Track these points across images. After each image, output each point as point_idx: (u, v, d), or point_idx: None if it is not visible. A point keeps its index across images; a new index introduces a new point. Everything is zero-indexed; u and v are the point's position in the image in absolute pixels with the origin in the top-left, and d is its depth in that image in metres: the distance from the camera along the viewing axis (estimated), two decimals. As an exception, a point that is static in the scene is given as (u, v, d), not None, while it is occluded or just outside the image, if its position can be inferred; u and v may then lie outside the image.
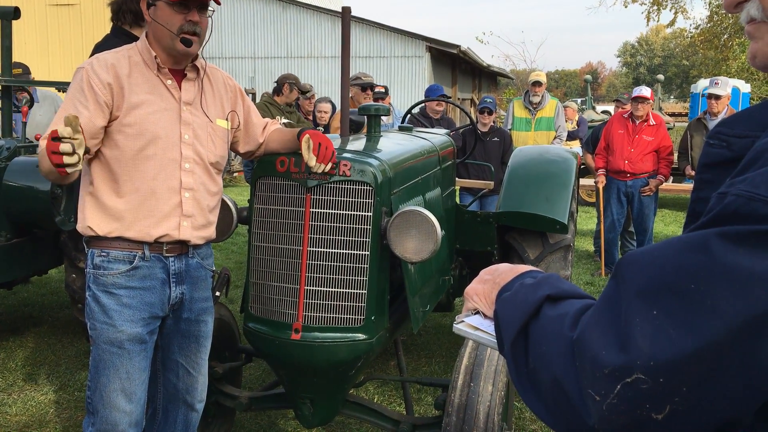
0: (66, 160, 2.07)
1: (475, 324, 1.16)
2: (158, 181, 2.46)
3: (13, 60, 4.91)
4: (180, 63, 2.54)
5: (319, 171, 2.55)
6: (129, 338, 2.46)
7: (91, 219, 2.46)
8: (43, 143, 2.22)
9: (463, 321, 1.18)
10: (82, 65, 2.46)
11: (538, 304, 0.96)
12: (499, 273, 1.13)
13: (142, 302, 2.49)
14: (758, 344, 0.73)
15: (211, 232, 2.67)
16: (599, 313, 0.84)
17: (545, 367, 0.89)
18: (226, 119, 2.69)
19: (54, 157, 2.08)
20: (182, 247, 2.56)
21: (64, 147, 2.06)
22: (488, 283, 1.14)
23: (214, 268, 2.76)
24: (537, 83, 7.97)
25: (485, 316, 1.15)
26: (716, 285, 0.74)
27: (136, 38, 3.68)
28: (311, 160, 2.52)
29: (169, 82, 2.52)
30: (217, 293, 2.70)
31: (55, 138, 2.07)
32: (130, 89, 2.43)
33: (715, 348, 0.73)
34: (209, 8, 2.52)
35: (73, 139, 2.07)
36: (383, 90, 7.26)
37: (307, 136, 2.55)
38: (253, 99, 16.50)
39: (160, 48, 2.49)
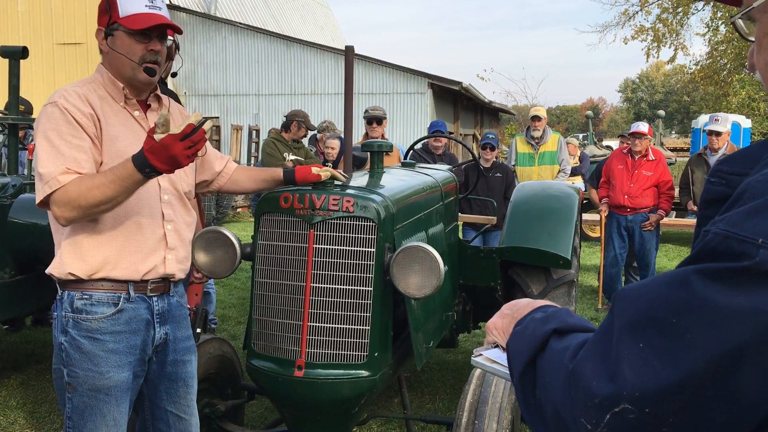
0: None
1: (493, 357, 1.20)
2: (142, 216, 2.39)
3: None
4: (141, 94, 2.47)
5: (327, 176, 2.75)
6: (116, 384, 2.36)
7: (70, 263, 2.31)
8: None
9: (481, 354, 1.22)
10: (52, 100, 2.29)
11: (545, 337, 0.99)
12: (518, 308, 1.18)
13: (128, 346, 2.38)
14: (736, 377, 0.76)
15: (188, 266, 2.60)
16: (594, 345, 0.88)
17: (549, 397, 0.92)
18: None
19: (188, 159, 2.11)
20: (165, 285, 2.48)
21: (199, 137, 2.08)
22: (507, 317, 1.19)
23: (188, 306, 2.68)
24: (536, 117, 8.04)
25: (503, 349, 1.18)
26: (695, 319, 0.77)
27: (161, 79, 3.73)
28: (324, 173, 2.75)
29: (136, 113, 2.45)
30: (198, 330, 2.63)
31: (185, 136, 2.06)
32: (105, 122, 2.34)
33: (696, 380, 0.77)
34: (168, 38, 2.46)
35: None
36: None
37: (315, 168, 2.80)
38: (257, 136, 16.67)
39: (121, 79, 2.40)
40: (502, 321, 1.19)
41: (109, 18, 2.36)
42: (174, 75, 4.21)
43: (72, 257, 2.32)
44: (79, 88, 2.35)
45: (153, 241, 2.41)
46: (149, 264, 2.40)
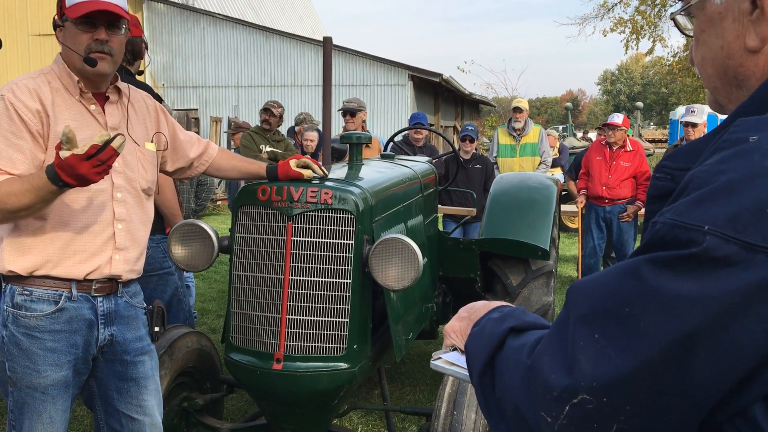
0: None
1: (452, 360, 1.21)
2: (89, 214, 2.32)
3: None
4: (99, 86, 2.37)
5: (310, 176, 2.74)
6: (53, 383, 2.30)
7: (10, 260, 2.26)
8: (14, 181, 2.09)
9: (440, 357, 1.24)
10: (0, 93, 2.23)
11: (502, 336, 1.01)
12: (474, 310, 1.20)
13: (68, 345, 2.32)
14: (689, 362, 0.78)
15: (141, 266, 2.53)
16: (550, 339, 0.89)
17: (508, 395, 0.93)
18: (152, 141, 2.56)
19: (99, 176, 2.05)
20: (112, 285, 2.41)
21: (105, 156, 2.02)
22: (464, 320, 1.20)
23: (144, 305, 2.60)
24: (517, 109, 8.07)
25: (462, 352, 1.19)
26: (647, 308, 0.79)
27: (131, 73, 3.68)
28: (306, 173, 2.73)
29: (92, 107, 2.36)
30: (156, 328, 2.59)
31: (90, 156, 1.99)
32: (54, 118, 2.26)
33: (650, 367, 0.78)
34: (122, 26, 2.34)
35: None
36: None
37: (294, 160, 2.75)
38: (230, 127, 16.54)
39: (74, 71, 2.32)
40: (460, 324, 1.21)
41: (60, 9, 2.30)
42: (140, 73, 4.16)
43: (12, 254, 2.28)
44: (31, 81, 2.28)
45: (99, 241, 2.35)
46: (93, 264, 2.33)
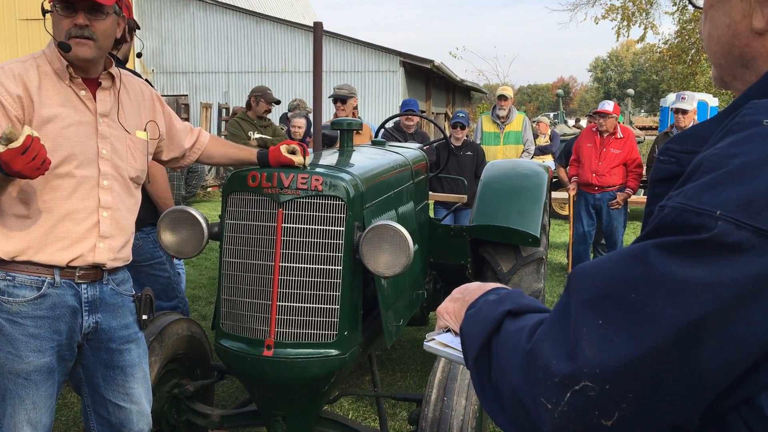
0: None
1: (445, 342, 1.19)
2: (74, 201, 2.30)
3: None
4: (87, 71, 2.34)
5: (300, 163, 2.70)
6: (36, 369, 2.29)
7: None
8: None
9: (434, 339, 1.22)
10: None
11: (499, 319, 0.99)
12: (469, 291, 1.17)
13: (51, 331, 2.30)
14: (695, 349, 0.76)
15: (127, 254, 2.51)
16: (551, 324, 0.87)
17: (505, 379, 0.91)
18: (145, 130, 2.54)
19: (37, 172, 2.03)
20: (96, 272, 2.39)
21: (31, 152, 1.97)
22: (458, 301, 1.18)
23: (133, 293, 2.58)
24: (502, 97, 8.07)
25: (456, 333, 1.17)
26: (654, 294, 0.77)
27: (119, 59, 3.62)
28: (297, 159, 2.69)
29: (82, 92, 2.33)
30: (144, 316, 2.58)
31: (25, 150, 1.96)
32: (40, 102, 2.24)
33: (656, 354, 0.76)
34: (106, 11, 2.29)
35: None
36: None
37: (285, 146, 2.73)
38: (227, 114, 16.46)
39: (63, 56, 2.29)
40: (454, 305, 1.18)
41: None
42: (139, 55, 4.11)
43: None
44: (18, 65, 2.27)
45: (83, 229, 2.33)
46: (75, 252, 2.32)
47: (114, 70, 2.44)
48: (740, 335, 0.75)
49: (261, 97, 6.87)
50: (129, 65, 3.78)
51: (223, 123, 16.55)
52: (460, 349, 1.11)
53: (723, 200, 0.76)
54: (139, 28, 3.69)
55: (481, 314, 1.03)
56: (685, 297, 0.76)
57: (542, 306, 1.02)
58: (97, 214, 2.35)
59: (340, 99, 6.09)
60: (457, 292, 1.21)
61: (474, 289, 1.16)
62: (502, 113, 7.98)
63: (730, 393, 0.79)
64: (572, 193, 7.40)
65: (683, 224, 0.78)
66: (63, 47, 2.23)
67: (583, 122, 18.91)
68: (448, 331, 1.21)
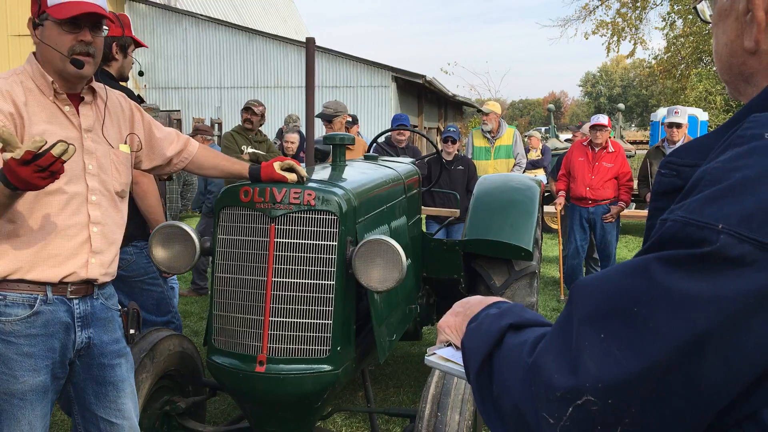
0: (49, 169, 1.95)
1: (446, 356, 1.19)
2: (64, 217, 2.28)
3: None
4: (75, 87, 2.34)
5: (299, 178, 2.69)
6: (31, 389, 2.26)
7: None
8: None
9: (435, 353, 1.21)
10: None
11: (501, 333, 0.98)
12: (470, 305, 1.16)
13: (45, 349, 2.28)
14: (698, 364, 0.75)
15: (115, 269, 2.50)
16: (553, 338, 0.86)
17: (507, 393, 0.90)
18: (125, 143, 2.53)
19: (44, 181, 1.97)
20: (87, 287, 2.38)
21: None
22: (459, 315, 1.17)
23: (119, 307, 2.57)
24: (482, 112, 8.16)
25: (457, 347, 1.17)
26: (657, 307, 0.77)
27: (111, 75, 3.61)
28: (291, 177, 2.67)
29: (67, 108, 2.32)
30: (132, 330, 2.56)
31: (27, 161, 1.91)
32: (29, 119, 2.22)
33: (659, 368, 0.76)
34: (104, 27, 2.31)
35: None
36: (350, 119, 7.18)
37: (278, 162, 2.71)
38: (219, 129, 16.46)
39: (52, 71, 2.27)
40: (455, 319, 1.17)
41: (38, 7, 2.25)
42: (141, 74, 4.11)
43: None
44: (3, 82, 2.24)
45: (75, 245, 2.31)
46: (68, 268, 2.30)
47: (95, 84, 2.44)
48: (744, 349, 0.75)
49: (249, 108, 6.82)
50: (130, 84, 3.78)
51: (215, 138, 16.56)
52: (462, 364, 1.10)
53: (725, 214, 0.76)
54: (126, 48, 3.66)
55: (483, 328, 1.03)
56: (687, 311, 0.75)
57: (544, 320, 1.01)
58: (88, 230, 2.34)
59: (324, 119, 6.09)
60: (458, 306, 1.20)
61: (475, 303, 1.16)
62: (486, 128, 8.02)
63: (733, 408, 0.78)
64: (559, 208, 7.41)
65: (685, 238, 0.78)
66: (77, 64, 2.22)
67: (566, 136, 19.01)
68: (450, 345, 1.20)
